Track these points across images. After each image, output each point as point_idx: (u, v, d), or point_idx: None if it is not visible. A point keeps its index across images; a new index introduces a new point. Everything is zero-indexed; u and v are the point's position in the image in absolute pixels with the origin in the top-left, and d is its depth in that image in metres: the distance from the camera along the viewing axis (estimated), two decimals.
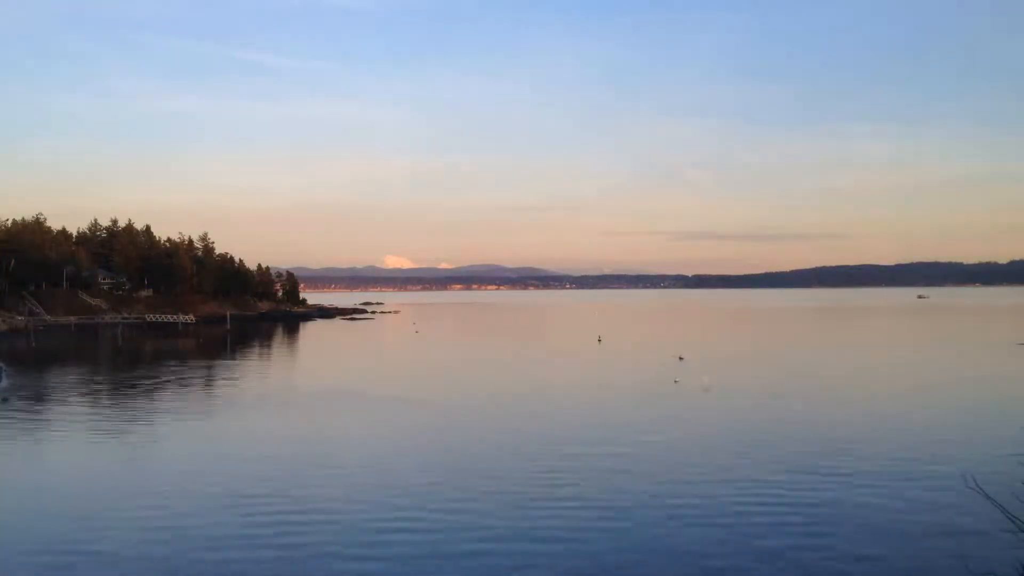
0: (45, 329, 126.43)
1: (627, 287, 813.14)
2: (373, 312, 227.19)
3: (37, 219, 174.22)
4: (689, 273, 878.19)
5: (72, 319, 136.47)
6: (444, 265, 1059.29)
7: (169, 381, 64.80)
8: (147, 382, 64.43)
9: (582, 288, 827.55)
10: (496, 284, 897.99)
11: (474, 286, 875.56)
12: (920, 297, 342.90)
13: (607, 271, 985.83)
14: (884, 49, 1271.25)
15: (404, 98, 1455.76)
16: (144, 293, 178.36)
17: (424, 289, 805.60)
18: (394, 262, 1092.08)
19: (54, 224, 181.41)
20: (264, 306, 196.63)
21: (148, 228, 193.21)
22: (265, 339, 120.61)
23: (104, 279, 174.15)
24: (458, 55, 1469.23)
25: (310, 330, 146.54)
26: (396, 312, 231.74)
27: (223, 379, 66.65)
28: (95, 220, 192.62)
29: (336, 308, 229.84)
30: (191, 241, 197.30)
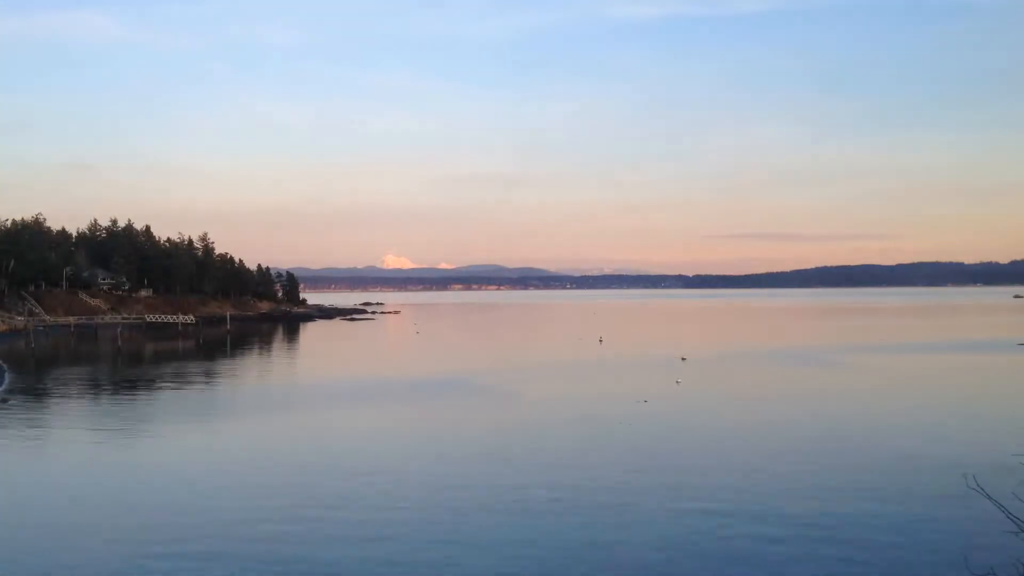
0: (45, 330, 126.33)
1: (628, 287, 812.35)
2: (373, 312, 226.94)
3: (37, 219, 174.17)
4: (690, 273, 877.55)
5: (72, 320, 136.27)
6: (444, 265, 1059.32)
7: (169, 382, 64.74)
8: (147, 383, 64.36)
9: (582, 288, 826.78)
10: (497, 284, 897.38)
11: (474, 286, 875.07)
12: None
13: (607, 271, 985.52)
14: (895, 62, 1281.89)
15: (470, 113, 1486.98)
16: (144, 293, 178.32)
17: (424, 289, 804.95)
18: (394, 262, 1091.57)
19: (54, 224, 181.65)
20: (264, 306, 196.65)
21: (148, 228, 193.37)
22: (265, 340, 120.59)
23: (104, 279, 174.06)
24: (537, 77, 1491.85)
25: (310, 331, 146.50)
26: (396, 312, 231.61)
27: (223, 380, 66.58)
28: (95, 220, 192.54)
29: (336, 308, 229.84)
30: (191, 241, 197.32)
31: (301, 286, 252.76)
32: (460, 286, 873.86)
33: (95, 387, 62.34)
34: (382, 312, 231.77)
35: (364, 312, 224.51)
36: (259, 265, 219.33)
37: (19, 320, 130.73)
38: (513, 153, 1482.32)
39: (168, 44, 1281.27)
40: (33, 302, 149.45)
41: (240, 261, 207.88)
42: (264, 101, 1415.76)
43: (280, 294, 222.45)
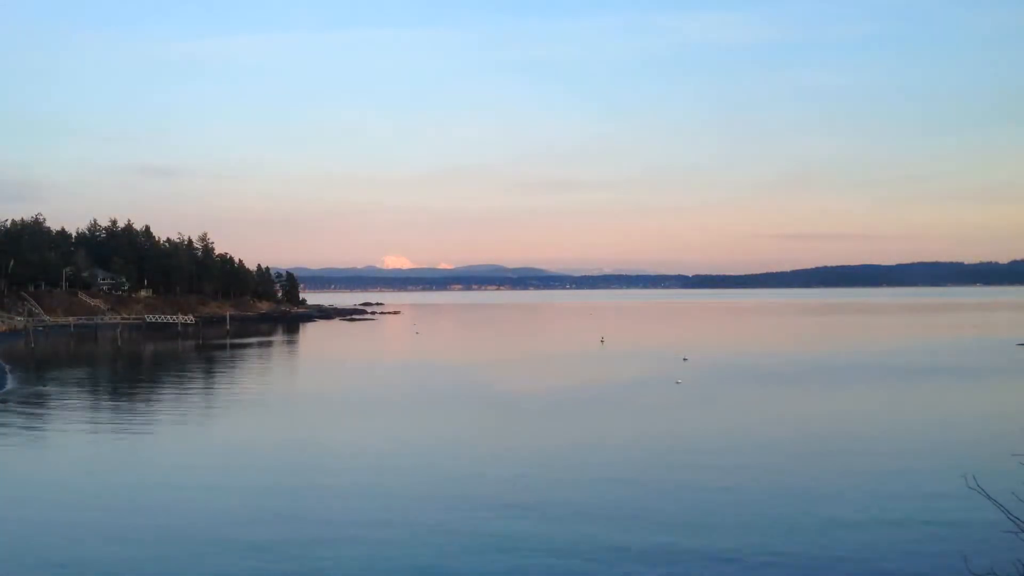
0: (44, 330, 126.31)
1: (627, 287, 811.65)
2: (373, 313, 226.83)
3: (36, 219, 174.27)
4: (689, 273, 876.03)
5: (71, 320, 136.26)
6: (444, 265, 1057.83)
7: (169, 383, 64.76)
8: (147, 383, 64.39)
9: (582, 288, 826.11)
10: (496, 284, 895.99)
11: (474, 286, 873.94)
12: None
13: (607, 271, 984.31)
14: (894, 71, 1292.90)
15: (474, 116, 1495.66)
16: (144, 294, 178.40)
17: (424, 290, 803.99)
18: (394, 262, 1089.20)
19: (53, 224, 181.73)
20: (264, 307, 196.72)
21: (148, 228, 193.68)
22: (265, 340, 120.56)
23: (104, 280, 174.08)
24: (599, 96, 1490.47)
25: (310, 331, 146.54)
26: (396, 313, 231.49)
27: (223, 381, 66.58)
28: (94, 220, 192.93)
29: (335, 308, 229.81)
30: (191, 241, 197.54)
31: (300, 286, 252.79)
32: (459, 286, 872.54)
33: (95, 387, 62.35)
34: (382, 312, 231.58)
35: (364, 312, 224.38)
36: (259, 265, 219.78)
37: (19, 320, 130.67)
38: (513, 154, 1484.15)
39: (292, 64, 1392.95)
40: (33, 302, 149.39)
41: (240, 261, 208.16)
42: (344, 112, 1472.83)
43: (280, 294, 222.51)
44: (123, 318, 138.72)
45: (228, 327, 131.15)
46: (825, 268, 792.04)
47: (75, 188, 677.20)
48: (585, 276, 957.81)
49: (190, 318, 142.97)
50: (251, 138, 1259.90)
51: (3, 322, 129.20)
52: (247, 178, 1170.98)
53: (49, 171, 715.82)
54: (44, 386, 61.53)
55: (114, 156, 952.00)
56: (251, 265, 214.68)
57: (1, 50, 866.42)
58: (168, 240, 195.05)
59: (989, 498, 9.09)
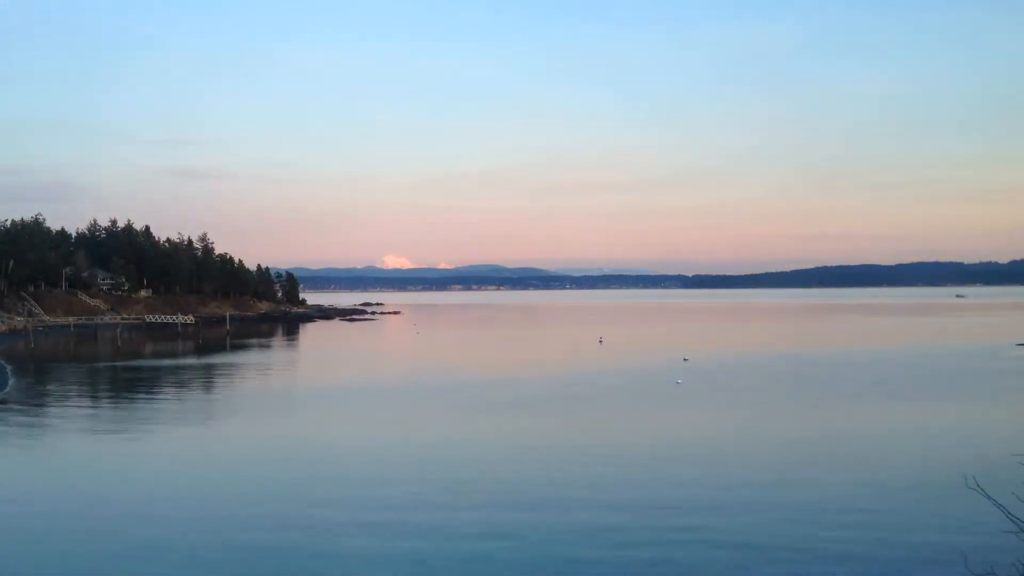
0: (44, 330, 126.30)
1: (628, 287, 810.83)
2: (373, 313, 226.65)
3: (36, 219, 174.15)
4: (689, 273, 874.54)
5: (71, 320, 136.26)
6: (444, 265, 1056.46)
7: (168, 383, 64.76)
8: (146, 384, 64.36)
9: (582, 288, 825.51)
10: (496, 284, 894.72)
11: (474, 287, 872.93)
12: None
13: (607, 271, 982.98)
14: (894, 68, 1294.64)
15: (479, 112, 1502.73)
16: (143, 294, 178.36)
17: (424, 290, 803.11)
18: (393, 262, 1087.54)
19: (53, 224, 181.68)
20: (263, 307, 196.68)
21: (147, 228, 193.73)
22: (264, 341, 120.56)
23: (103, 280, 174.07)
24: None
25: (310, 331, 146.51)
26: (396, 313, 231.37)
27: (222, 381, 66.57)
28: (94, 220, 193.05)
29: (335, 308, 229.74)
30: (191, 241, 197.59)
31: (300, 286, 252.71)
32: (459, 286, 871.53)
33: (95, 388, 62.34)
34: (382, 312, 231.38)
35: (364, 312, 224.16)
36: (259, 265, 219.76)
37: (19, 320, 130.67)
38: (514, 156, 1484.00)
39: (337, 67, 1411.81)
40: (33, 302, 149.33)
41: (240, 261, 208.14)
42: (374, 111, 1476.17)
43: (280, 294, 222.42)
44: (123, 318, 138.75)
45: (228, 327, 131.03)
46: (825, 268, 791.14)
47: (90, 190, 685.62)
48: (585, 276, 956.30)
49: (190, 318, 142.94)
50: (252, 139, 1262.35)
51: (3, 322, 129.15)
52: (248, 178, 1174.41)
53: (71, 172, 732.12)
54: (44, 386, 61.57)
55: (126, 157, 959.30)
56: (251, 265, 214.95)
57: (39, 55, 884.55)
58: (168, 240, 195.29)
59: (989, 498, 9.09)
